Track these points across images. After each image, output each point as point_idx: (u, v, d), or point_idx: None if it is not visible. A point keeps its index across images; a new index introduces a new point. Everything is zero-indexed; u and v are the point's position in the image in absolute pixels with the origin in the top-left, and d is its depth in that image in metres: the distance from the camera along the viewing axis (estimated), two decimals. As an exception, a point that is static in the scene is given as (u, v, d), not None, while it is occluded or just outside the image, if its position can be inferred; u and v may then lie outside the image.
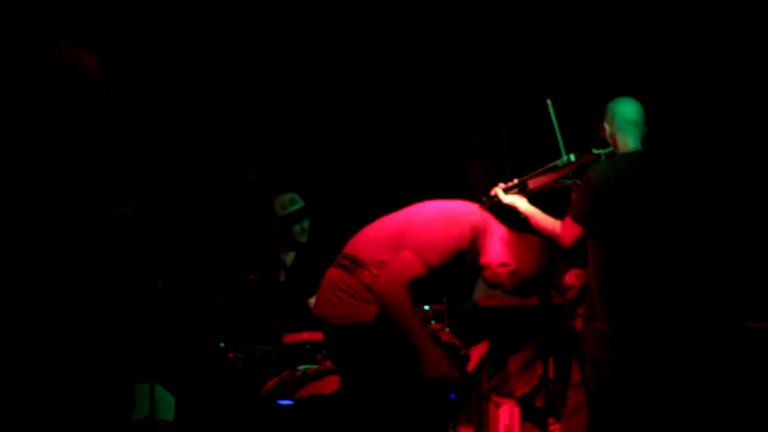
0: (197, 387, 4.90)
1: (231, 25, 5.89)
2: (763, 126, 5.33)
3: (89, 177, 2.52)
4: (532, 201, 3.97)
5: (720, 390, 4.24)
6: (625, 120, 3.91)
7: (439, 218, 3.41)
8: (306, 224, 5.20)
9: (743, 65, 5.43)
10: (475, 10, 6.34)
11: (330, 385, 4.18)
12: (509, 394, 5.30)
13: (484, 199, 3.98)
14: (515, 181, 3.99)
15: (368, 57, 6.30)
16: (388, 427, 3.28)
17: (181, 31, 5.71)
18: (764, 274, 4.90)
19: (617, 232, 3.76)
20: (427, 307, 4.48)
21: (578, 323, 4.49)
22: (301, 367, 4.41)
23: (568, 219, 3.82)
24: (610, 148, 3.95)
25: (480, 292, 5.10)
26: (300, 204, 5.19)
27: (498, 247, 3.48)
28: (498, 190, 3.96)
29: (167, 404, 4.82)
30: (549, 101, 4.07)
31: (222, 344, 4.68)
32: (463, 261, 3.40)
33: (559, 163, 3.97)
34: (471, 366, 3.54)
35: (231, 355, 4.66)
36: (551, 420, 4.82)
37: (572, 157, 3.95)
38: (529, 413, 5.19)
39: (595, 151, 3.95)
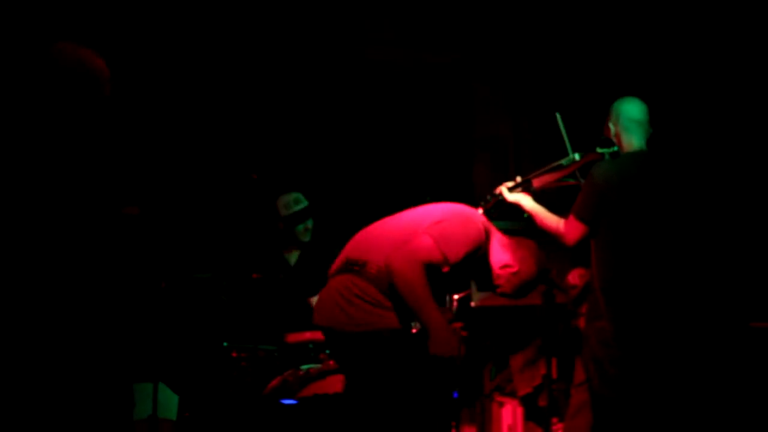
0: (200, 386, 4.90)
1: (234, 26, 5.90)
2: (767, 126, 5.33)
3: (94, 177, 2.52)
4: (537, 199, 3.97)
5: (723, 389, 4.23)
6: (630, 119, 3.91)
7: (458, 216, 3.43)
8: (309, 224, 5.20)
9: (746, 68, 5.43)
10: (480, 10, 6.34)
11: (333, 384, 4.18)
12: (512, 394, 5.29)
13: (489, 197, 3.98)
14: (519, 179, 3.99)
15: (373, 57, 6.31)
16: (393, 426, 3.27)
17: (182, 31, 5.72)
18: (768, 274, 4.90)
19: (621, 232, 3.76)
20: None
21: (581, 322, 4.49)
22: (305, 367, 4.42)
23: (571, 217, 3.81)
24: (615, 148, 3.95)
25: (477, 296, 5.11)
26: (304, 204, 5.19)
27: (498, 250, 3.54)
28: (503, 188, 3.96)
29: (170, 403, 4.82)
30: (558, 115, 4.07)
31: (225, 343, 4.68)
32: (470, 261, 3.41)
33: (563, 161, 3.97)
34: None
35: (234, 355, 4.66)
36: (554, 420, 4.82)
37: (577, 156, 3.95)
38: (532, 413, 5.18)
39: (599, 150, 3.95)
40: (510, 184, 3.99)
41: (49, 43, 2.60)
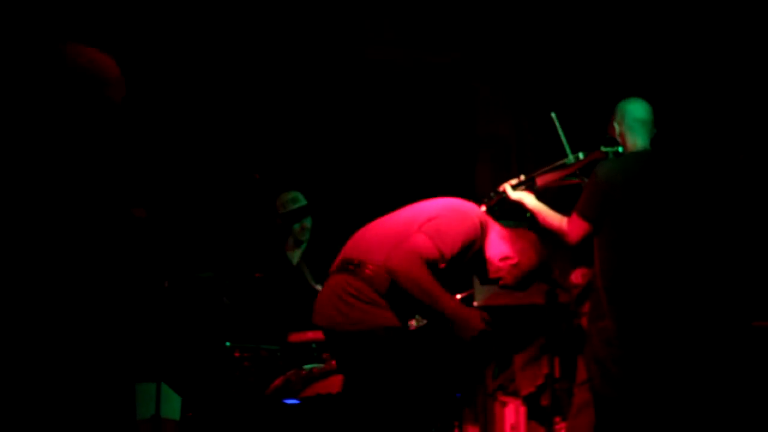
0: (203, 386, 4.90)
1: (235, 26, 5.90)
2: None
3: (105, 179, 2.52)
4: (538, 198, 3.97)
5: (725, 389, 4.22)
6: (634, 119, 3.92)
7: (451, 210, 3.43)
8: (307, 223, 5.20)
9: (749, 68, 5.42)
10: (480, 10, 6.34)
11: (336, 384, 4.18)
12: (515, 393, 5.30)
13: (492, 194, 3.98)
14: (523, 177, 3.99)
15: (374, 57, 6.31)
16: (394, 426, 3.27)
17: (183, 33, 5.72)
18: (771, 273, 4.89)
19: (624, 231, 3.76)
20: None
21: (584, 322, 4.48)
22: (307, 366, 4.42)
23: (574, 216, 3.81)
24: (619, 147, 3.95)
25: (479, 294, 5.11)
26: (302, 203, 5.19)
27: (498, 243, 3.53)
28: (506, 186, 3.96)
29: (173, 403, 4.82)
30: (554, 114, 4.08)
31: (228, 343, 4.68)
32: (466, 255, 3.41)
33: (567, 160, 3.97)
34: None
35: (237, 355, 4.66)
36: (557, 419, 4.82)
37: (581, 155, 3.95)
38: (534, 412, 5.19)
39: (603, 149, 3.95)
40: (513, 182, 3.99)
41: (57, 43, 2.59)
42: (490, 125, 6.47)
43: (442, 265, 3.31)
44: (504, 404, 5.36)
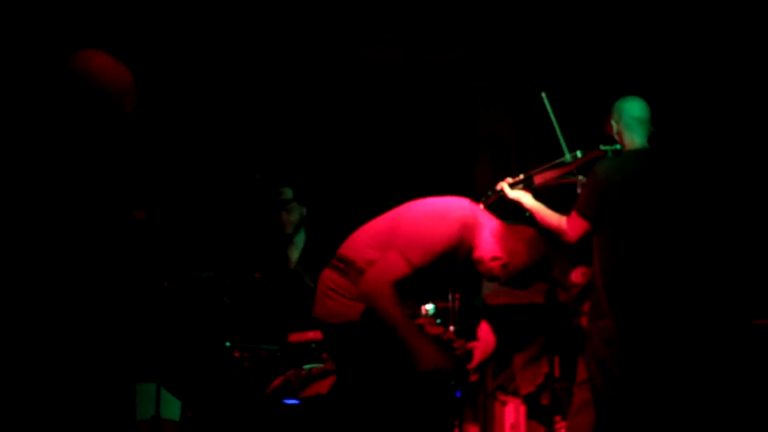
0: (203, 386, 4.91)
1: (234, 26, 5.90)
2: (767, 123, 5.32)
3: (108, 182, 2.52)
4: (537, 197, 3.97)
5: (725, 387, 4.22)
6: (632, 117, 3.92)
7: (425, 217, 3.36)
8: (294, 218, 5.22)
9: (745, 62, 5.42)
10: (479, 9, 6.34)
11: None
12: (515, 393, 5.30)
13: (490, 193, 3.98)
14: (521, 176, 3.99)
15: (374, 56, 6.32)
16: (391, 426, 3.28)
17: (182, 33, 5.72)
18: (770, 272, 4.89)
19: (623, 229, 3.76)
20: (431, 306, 4.47)
21: (584, 321, 4.48)
22: (307, 366, 4.42)
23: (574, 214, 3.81)
24: (618, 145, 3.95)
25: (487, 289, 5.10)
26: (286, 196, 5.26)
27: (489, 241, 3.40)
28: (504, 185, 3.96)
29: (173, 404, 4.83)
30: (544, 94, 4.08)
31: (228, 343, 4.69)
32: (455, 258, 3.38)
33: (565, 159, 3.97)
34: (473, 363, 3.49)
35: (237, 355, 4.67)
36: (557, 418, 4.82)
37: (579, 154, 3.96)
38: (535, 411, 5.19)
39: (602, 148, 3.95)
40: (511, 180, 3.99)
41: (69, 52, 2.57)
42: (490, 125, 6.47)
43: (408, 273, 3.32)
44: (504, 403, 5.35)
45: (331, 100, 6.23)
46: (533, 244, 3.40)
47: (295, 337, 4.63)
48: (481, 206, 3.85)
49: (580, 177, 3.95)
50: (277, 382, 4.41)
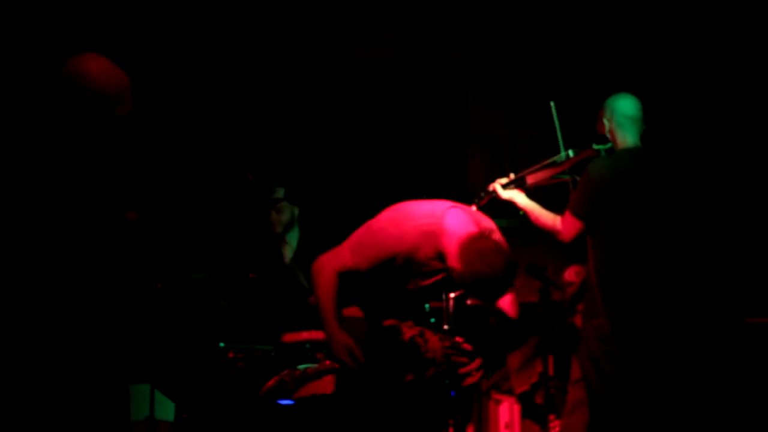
0: (197, 387, 4.90)
1: (230, 26, 5.90)
2: (763, 122, 5.33)
3: (102, 185, 2.51)
4: (529, 197, 3.97)
5: (720, 386, 4.23)
6: (623, 116, 3.91)
7: (386, 220, 3.43)
8: (284, 217, 5.23)
9: (742, 63, 5.43)
10: (473, 8, 6.34)
11: (330, 384, 4.17)
12: (509, 392, 5.30)
13: (483, 194, 3.98)
14: (513, 176, 3.99)
15: (367, 55, 6.31)
16: (388, 425, 3.28)
17: (178, 32, 5.71)
18: (764, 270, 4.90)
19: (617, 228, 3.76)
20: (427, 306, 4.47)
21: (578, 320, 4.49)
22: (301, 367, 4.41)
23: (567, 214, 3.82)
24: (610, 144, 3.95)
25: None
26: (277, 195, 5.27)
27: (454, 250, 3.30)
28: (496, 185, 3.96)
29: (167, 405, 4.82)
30: (552, 103, 4.07)
31: (222, 344, 4.68)
32: (423, 264, 3.39)
33: (558, 158, 3.97)
34: (466, 368, 3.46)
35: (231, 355, 4.66)
36: (551, 417, 4.82)
37: (571, 153, 3.96)
38: (529, 410, 5.19)
39: (595, 147, 3.95)
40: (504, 180, 3.99)
41: (68, 56, 2.57)
42: (483, 123, 6.48)
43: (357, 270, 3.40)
44: (498, 402, 5.35)
45: (325, 99, 6.22)
46: (486, 257, 3.22)
47: (289, 338, 4.62)
48: (474, 208, 3.85)
49: (574, 176, 3.95)
50: (271, 383, 4.40)
